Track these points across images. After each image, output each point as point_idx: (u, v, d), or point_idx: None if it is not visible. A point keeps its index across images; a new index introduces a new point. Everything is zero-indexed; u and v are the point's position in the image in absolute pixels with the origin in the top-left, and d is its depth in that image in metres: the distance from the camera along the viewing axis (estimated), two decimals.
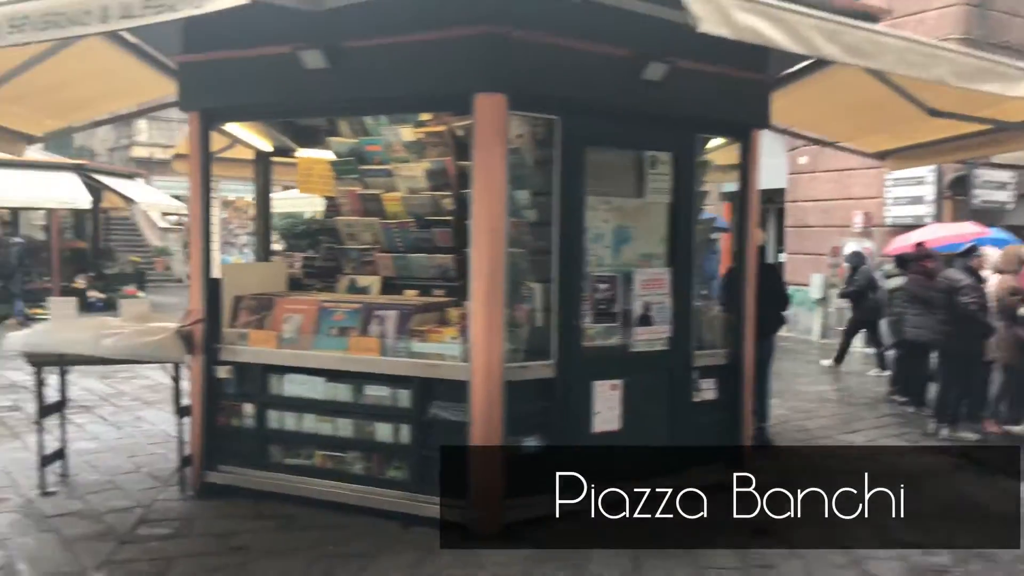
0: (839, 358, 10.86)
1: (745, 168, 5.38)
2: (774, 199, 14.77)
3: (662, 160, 5.05)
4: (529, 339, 4.69)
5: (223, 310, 5.23)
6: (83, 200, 16.28)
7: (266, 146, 6.74)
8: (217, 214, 28.91)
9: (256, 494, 5.01)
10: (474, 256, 4.43)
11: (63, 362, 5.13)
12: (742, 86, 5.18)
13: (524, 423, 4.57)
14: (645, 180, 5.02)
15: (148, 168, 25.73)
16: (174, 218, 26.58)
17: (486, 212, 4.40)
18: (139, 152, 27.68)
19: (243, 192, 30.42)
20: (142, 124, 27.79)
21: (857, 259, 10.20)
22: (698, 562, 4.16)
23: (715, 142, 5.65)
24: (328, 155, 6.24)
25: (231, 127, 6.09)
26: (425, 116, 5.47)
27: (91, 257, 18.97)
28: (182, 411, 5.22)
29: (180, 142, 8.41)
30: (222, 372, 5.15)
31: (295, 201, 21.57)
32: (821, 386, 9.84)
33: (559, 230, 4.66)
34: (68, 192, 16.25)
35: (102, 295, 17.79)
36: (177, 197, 24.60)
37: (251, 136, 6.39)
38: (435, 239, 5.48)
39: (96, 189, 17.57)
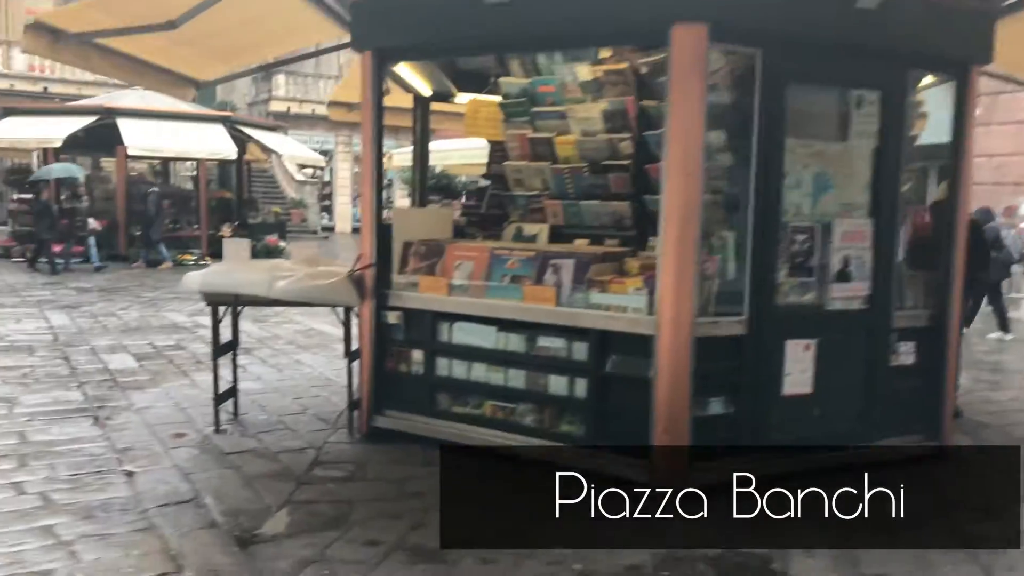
0: (1003, 326, 10.03)
1: (961, 113, 4.83)
2: (936, 155, 13.69)
3: (869, 100, 4.57)
4: (719, 293, 4.37)
5: (393, 256, 5.15)
6: (230, 151, 16.84)
7: (426, 90, 6.58)
8: (350, 168, 29.53)
9: (423, 440, 4.94)
10: (666, 201, 4.13)
11: (238, 302, 5.17)
12: (962, 15, 4.63)
13: (711, 382, 4.28)
14: (850, 122, 4.57)
15: (285, 122, 26.47)
16: (310, 171, 27.37)
17: (681, 154, 4.08)
18: (277, 106, 28.48)
19: (385, 146, 31.00)
20: (280, 79, 28.56)
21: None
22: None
23: (927, 80, 5.09)
24: (489, 100, 6.05)
25: (399, 68, 5.94)
26: (604, 53, 5.16)
27: (235, 207, 19.67)
28: (352, 355, 5.20)
29: (334, 89, 8.36)
30: (391, 318, 5.08)
31: (407, 155, 21.69)
32: (1004, 355, 9.09)
33: (756, 175, 4.29)
34: (217, 143, 16.84)
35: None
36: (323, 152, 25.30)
37: (415, 79, 6.23)
38: (610, 185, 5.20)
39: (241, 141, 18.12)
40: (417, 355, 5.06)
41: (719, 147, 4.39)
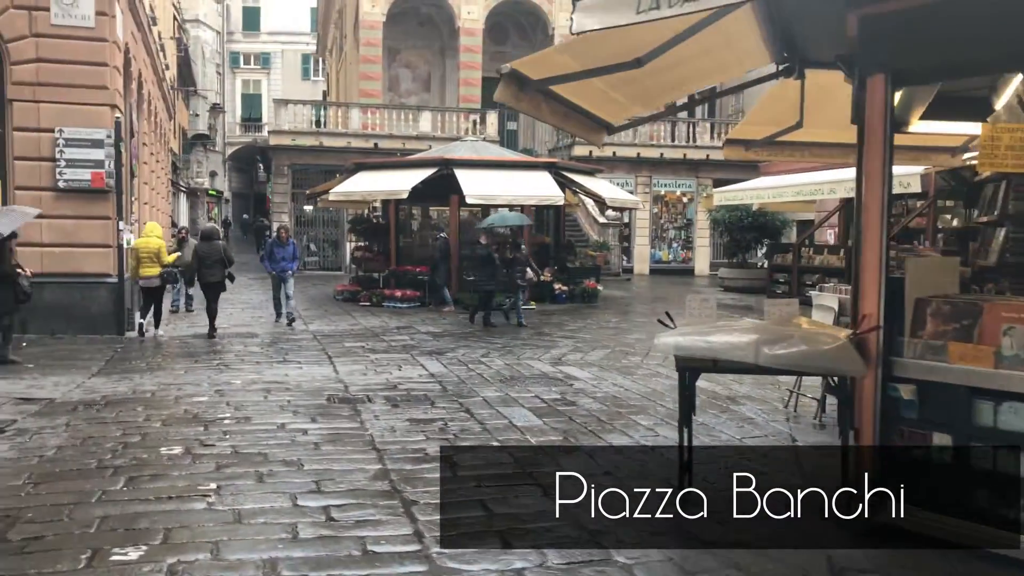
0: None
1: None
2: None
3: None
4: None
5: (903, 315, 4.29)
6: (558, 196, 16.94)
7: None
8: (648, 210, 29.07)
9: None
10: None
11: (716, 368, 4.56)
12: None
13: None
14: None
15: (586, 165, 26.64)
16: (613, 213, 27.29)
17: None
18: (579, 151, 28.76)
19: (673, 187, 30.51)
20: None
21: None
22: None
23: None
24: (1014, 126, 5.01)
25: None
26: None
27: (553, 251, 19.86)
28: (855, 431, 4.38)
29: (737, 127, 7.73)
30: (904, 392, 4.21)
31: (736, 193, 20.61)
32: None
33: None
34: (545, 189, 17.02)
35: (565, 288, 18.51)
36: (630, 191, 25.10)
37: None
38: None
39: (562, 186, 18.23)
40: (941, 439, 4.13)
41: None
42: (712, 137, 29.70)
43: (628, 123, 7.01)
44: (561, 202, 17.11)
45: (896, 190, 14.25)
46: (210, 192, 48.02)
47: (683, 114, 37.28)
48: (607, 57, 4.88)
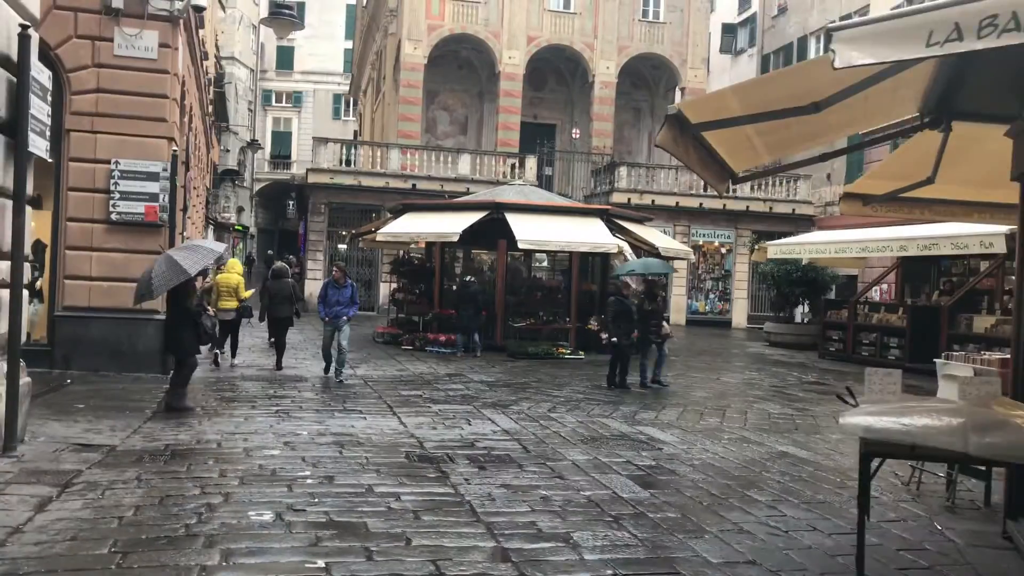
0: None
1: None
2: None
3: None
4: None
5: None
6: (611, 243, 16.50)
7: None
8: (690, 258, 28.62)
9: None
10: None
11: (913, 455, 4.01)
12: None
13: None
14: None
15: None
16: None
17: None
18: (618, 198, 28.41)
19: (712, 238, 30.02)
20: (622, 170, 28.63)
21: None
22: None
23: None
24: None
25: None
26: None
27: (597, 299, 19.32)
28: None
29: (859, 181, 7.25)
30: None
31: (793, 246, 20.13)
32: None
33: None
34: (597, 236, 16.61)
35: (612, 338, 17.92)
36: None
37: None
38: None
39: (613, 233, 17.79)
40: None
41: None
42: (752, 188, 29.32)
43: (748, 174, 6.56)
44: (615, 250, 16.65)
45: (975, 249, 13.76)
46: (236, 227, 47.96)
47: None
48: (776, 101, 4.43)
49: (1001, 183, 6.23)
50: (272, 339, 14.89)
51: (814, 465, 7.64)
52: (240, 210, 49.94)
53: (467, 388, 12.00)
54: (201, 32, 17.17)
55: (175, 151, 12.24)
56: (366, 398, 10.77)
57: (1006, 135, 5.56)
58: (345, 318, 12.30)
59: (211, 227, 39.41)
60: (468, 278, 17.66)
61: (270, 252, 51.81)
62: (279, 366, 13.24)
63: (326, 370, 12.74)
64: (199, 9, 12.64)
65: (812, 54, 32.38)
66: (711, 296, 30.13)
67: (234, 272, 13.73)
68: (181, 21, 12.33)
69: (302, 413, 9.44)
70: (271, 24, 12.63)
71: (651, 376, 12.91)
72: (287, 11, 12.51)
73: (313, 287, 26.59)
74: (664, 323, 13.60)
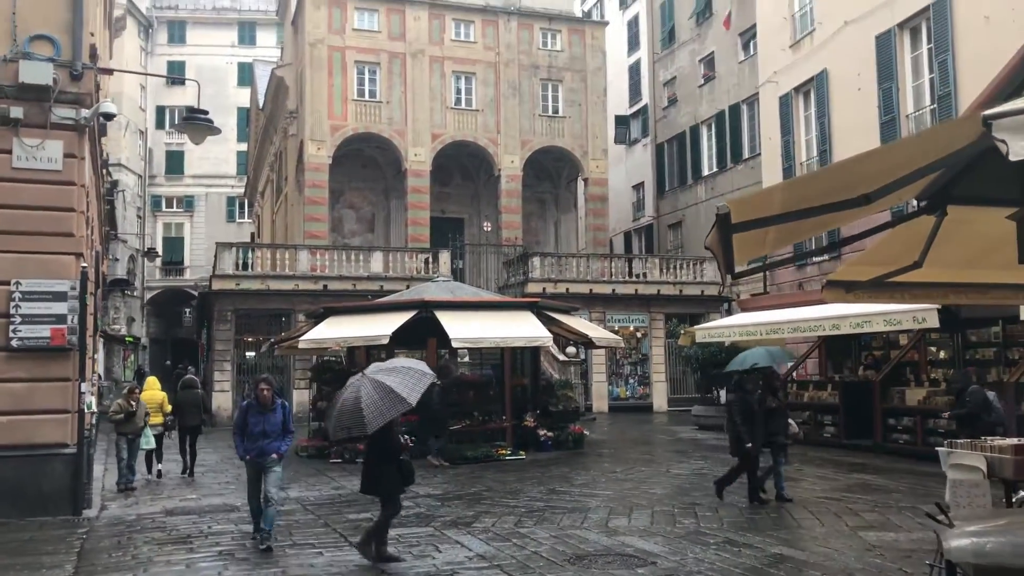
0: None
1: None
2: None
3: None
4: None
5: None
6: (545, 337, 16.12)
7: None
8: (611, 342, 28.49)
9: None
10: None
11: None
12: None
13: None
14: None
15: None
16: (571, 350, 26.60)
17: None
18: (533, 288, 28.28)
19: (627, 323, 30.15)
20: (535, 260, 28.62)
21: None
22: None
23: None
24: None
25: None
26: None
27: (531, 393, 18.83)
28: None
29: (842, 267, 7.12)
30: None
31: (721, 330, 20.24)
32: None
33: None
34: (530, 330, 16.21)
35: (550, 433, 17.40)
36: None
37: None
38: None
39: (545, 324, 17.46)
40: None
41: None
42: (661, 272, 29.82)
43: (751, 268, 6.31)
44: (549, 343, 16.29)
45: (908, 325, 14.04)
46: (127, 339, 45.37)
47: (635, 249, 37.80)
48: (820, 194, 4.17)
49: (989, 263, 6.18)
50: (182, 449, 14.79)
51: (821, 569, 7.23)
52: (131, 320, 47.38)
53: (417, 504, 11.16)
54: (103, 139, 16.26)
55: (84, 267, 11.23)
56: (312, 526, 9.80)
57: (1010, 218, 5.49)
58: (275, 455, 8.66)
59: (101, 340, 37.09)
60: (435, 382, 16.64)
61: (168, 363, 49.12)
62: (191, 474, 14.31)
63: (254, 531, 8.95)
64: (109, 117, 11.84)
65: (704, 142, 33.79)
66: (631, 381, 30.09)
67: (155, 389, 14.46)
68: (87, 129, 11.51)
69: (247, 554, 8.43)
70: (186, 130, 11.95)
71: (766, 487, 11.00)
72: (202, 117, 11.88)
73: (221, 399, 25.10)
74: (791, 421, 11.74)
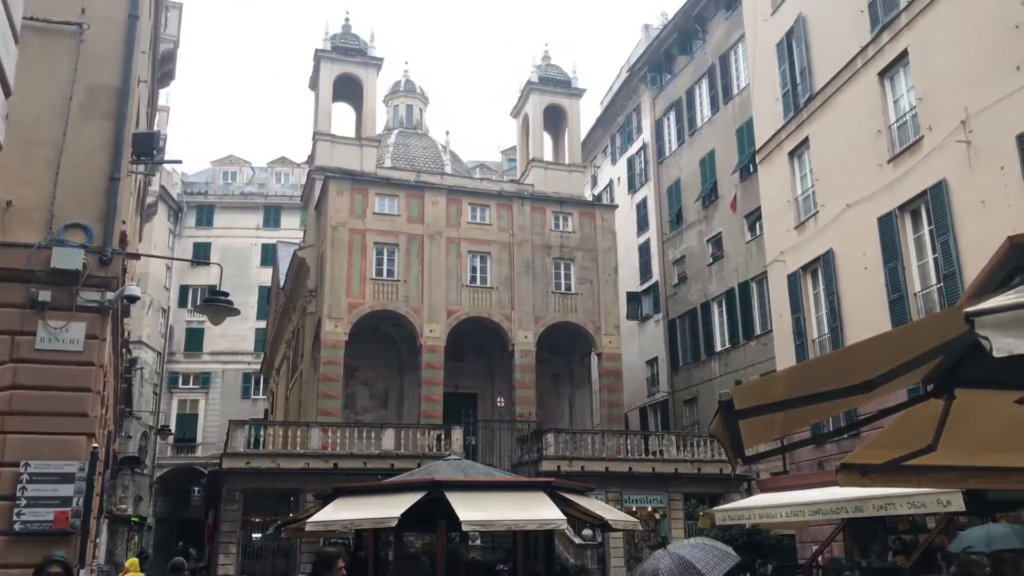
0: None
1: None
2: None
3: None
4: None
5: None
6: (559, 519, 15.60)
7: None
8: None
9: None
10: None
11: None
12: None
13: None
14: None
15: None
16: (588, 532, 25.74)
17: None
18: (547, 466, 27.78)
19: (644, 503, 29.29)
20: (549, 438, 28.27)
21: None
22: None
23: None
24: None
25: None
26: None
27: None
28: None
29: (858, 450, 7.01)
30: None
31: (741, 511, 19.61)
32: None
33: None
34: (544, 512, 15.70)
35: None
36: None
37: None
38: None
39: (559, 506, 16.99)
40: None
41: None
42: (678, 450, 29.29)
43: (757, 453, 6.25)
44: (564, 526, 15.75)
45: (933, 508, 13.58)
46: (133, 519, 44.30)
47: (651, 425, 37.35)
48: (823, 380, 4.21)
49: (1006, 446, 6.08)
50: None
51: None
52: (138, 499, 46.47)
53: None
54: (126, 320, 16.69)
55: (95, 447, 11.22)
56: None
57: (1018, 403, 5.47)
58: None
59: (106, 521, 36.22)
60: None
61: (180, 553, 47.68)
62: None
63: None
64: (132, 299, 12.23)
65: (716, 318, 34.17)
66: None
67: (134, 570, 14.51)
68: (111, 311, 11.86)
69: None
70: (206, 311, 12.28)
71: None
72: (222, 299, 12.24)
73: None
74: None
